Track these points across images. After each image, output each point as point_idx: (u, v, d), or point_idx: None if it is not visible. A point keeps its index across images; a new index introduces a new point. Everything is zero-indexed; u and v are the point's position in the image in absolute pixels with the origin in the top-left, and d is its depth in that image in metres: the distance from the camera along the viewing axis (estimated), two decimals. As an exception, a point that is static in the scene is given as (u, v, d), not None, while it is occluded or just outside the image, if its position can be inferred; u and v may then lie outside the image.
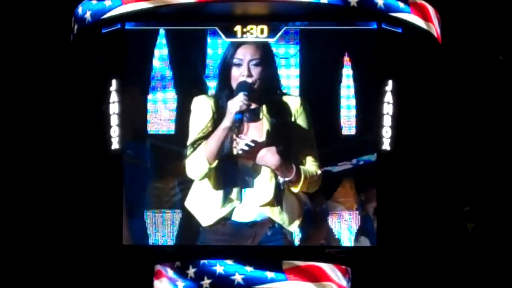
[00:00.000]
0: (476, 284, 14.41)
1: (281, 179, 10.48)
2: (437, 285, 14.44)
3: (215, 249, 10.52)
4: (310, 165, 10.59)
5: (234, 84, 10.52)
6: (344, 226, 10.73)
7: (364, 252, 11.05)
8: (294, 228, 10.55)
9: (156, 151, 10.74)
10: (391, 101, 10.78)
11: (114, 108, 10.73)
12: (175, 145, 10.67)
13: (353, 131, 10.68)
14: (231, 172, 10.45)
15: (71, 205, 14.08)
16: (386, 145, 10.74)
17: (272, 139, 10.47)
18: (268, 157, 10.42)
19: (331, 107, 10.75)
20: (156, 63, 10.70)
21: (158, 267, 10.99)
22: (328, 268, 10.93)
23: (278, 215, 10.48)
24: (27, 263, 14.14)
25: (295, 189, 10.51)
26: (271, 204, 10.46)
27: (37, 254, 14.19)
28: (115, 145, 10.69)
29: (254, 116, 10.47)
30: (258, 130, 10.49)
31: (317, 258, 10.81)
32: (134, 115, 10.78)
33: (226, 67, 10.61)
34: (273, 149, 10.43)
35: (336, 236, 10.71)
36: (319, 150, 10.69)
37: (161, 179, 10.69)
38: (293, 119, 10.67)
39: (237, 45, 10.60)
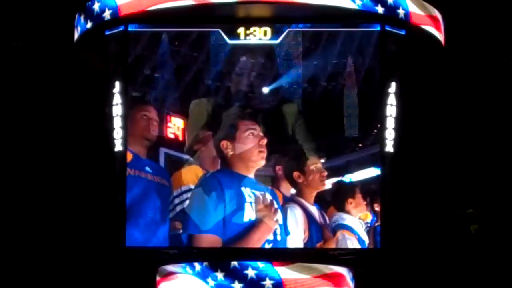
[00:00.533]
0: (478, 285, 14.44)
1: (288, 191, 10.46)
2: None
3: (216, 252, 10.44)
4: (315, 174, 10.53)
5: (233, 90, 10.58)
6: (355, 239, 10.71)
7: (367, 254, 11.03)
8: (298, 242, 10.44)
9: (169, 162, 10.68)
10: (394, 103, 10.76)
11: (117, 110, 10.70)
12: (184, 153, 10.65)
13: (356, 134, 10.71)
14: (228, 179, 10.29)
15: (75, 207, 14.10)
16: (389, 147, 10.72)
17: (270, 147, 10.39)
18: (270, 168, 10.40)
19: (337, 114, 10.71)
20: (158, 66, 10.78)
21: (169, 268, 10.88)
22: (346, 272, 10.89)
23: (275, 223, 10.25)
24: (31, 264, 14.18)
25: (312, 198, 10.49)
26: (268, 210, 10.28)
27: (41, 255, 14.24)
28: (118, 147, 10.70)
29: (252, 123, 10.40)
30: (256, 139, 10.38)
31: (320, 259, 10.76)
32: (148, 130, 10.71)
33: (227, 72, 10.61)
34: (274, 160, 10.42)
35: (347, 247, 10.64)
36: (329, 161, 10.64)
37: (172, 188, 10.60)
38: (291, 129, 10.65)
39: (241, 52, 10.64)
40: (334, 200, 10.75)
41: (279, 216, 10.30)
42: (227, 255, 10.44)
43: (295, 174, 10.50)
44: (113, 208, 10.97)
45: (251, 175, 10.25)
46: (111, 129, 10.73)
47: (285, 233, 10.35)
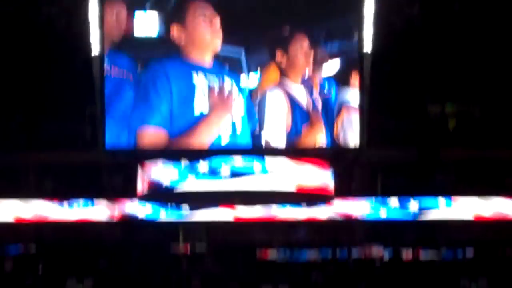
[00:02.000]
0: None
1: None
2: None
3: (194, 151, 10.26)
4: (300, 53, 10.25)
5: None
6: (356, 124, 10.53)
7: (346, 152, 11.13)
8: (279, 129, 10.24)
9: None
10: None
11: (94, 15, 10.50)
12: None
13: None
14: (177, 67, 9.80)
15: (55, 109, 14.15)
16: (367, 48, 10.60)
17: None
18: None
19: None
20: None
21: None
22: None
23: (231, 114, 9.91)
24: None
25: (298, 77, 10.22)
26: (223, 100, 9.86)
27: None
28: (95, 51, 10.56)
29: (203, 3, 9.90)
30: (207, 19, 9.88)
31: (299, 155, 10.72)
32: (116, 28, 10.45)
33: None
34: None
35: (342, 136, 10.56)
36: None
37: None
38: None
39: None
40: (337, 73, 10.43)
41: (238, 106, 9.87)
42: (204, 154, 10.36)
43: (278, 53, 10.18)
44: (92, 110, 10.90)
45: (207, 60, 9.75)
46: (87, 34, 10.59)
47: (248, 126, 10.02)
